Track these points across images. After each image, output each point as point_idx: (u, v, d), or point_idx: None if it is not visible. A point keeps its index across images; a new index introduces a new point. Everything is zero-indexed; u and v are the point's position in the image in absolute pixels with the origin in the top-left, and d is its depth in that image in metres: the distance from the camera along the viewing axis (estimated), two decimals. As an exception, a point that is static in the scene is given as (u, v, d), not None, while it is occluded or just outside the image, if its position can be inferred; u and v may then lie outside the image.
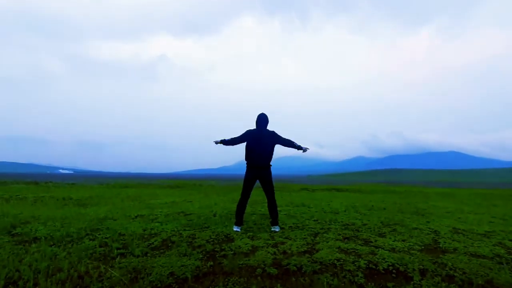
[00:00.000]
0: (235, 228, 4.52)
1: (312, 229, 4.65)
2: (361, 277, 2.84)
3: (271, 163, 4.68)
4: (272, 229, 4.54)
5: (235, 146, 4.69)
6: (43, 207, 7.29)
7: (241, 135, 4.67)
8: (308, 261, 3.14)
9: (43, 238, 4.01)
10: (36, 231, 4.41)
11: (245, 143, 4.66)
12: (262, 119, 4.64)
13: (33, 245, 3.72)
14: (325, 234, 4.29)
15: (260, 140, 4.57)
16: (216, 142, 4.67)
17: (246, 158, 4.61)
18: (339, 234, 4.31)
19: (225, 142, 4.64)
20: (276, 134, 4.71)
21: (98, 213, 6.26)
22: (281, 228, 4.71)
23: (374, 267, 3.05)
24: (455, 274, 2.94)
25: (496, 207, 8.72)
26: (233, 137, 4.68)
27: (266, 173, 4.59)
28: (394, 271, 2.99)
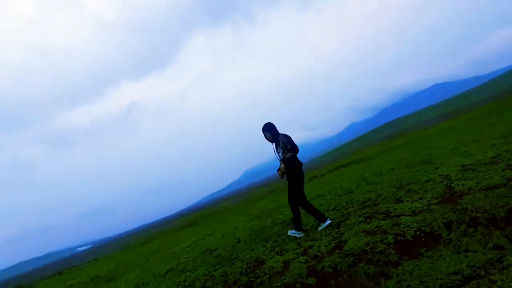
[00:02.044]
0: (295, 234, 4.57)
1: (334, 220, 4.67)
2: (394, 254, 2.87)
3: (291, 164, 4.48)
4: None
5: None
6: (74, 298, 7.17)
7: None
8: (340, 257, 3.16)
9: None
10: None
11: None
12: (263, 131, 4.63)
13: None
14: (347, 221, 4.32)
15: (275, 151, 4.61)
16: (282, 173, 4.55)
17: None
18: (360, 216, 4.35)
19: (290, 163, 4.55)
20: (282, 140, 4.57)
21: (129, 283, 6.20)
22: (304, 230, 4.71)
23: (402, 238, 3.09)
24: (478, 215, 2.99)
25: (493, 126, 8.87)
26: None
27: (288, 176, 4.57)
28: (422, 235, 3.03)
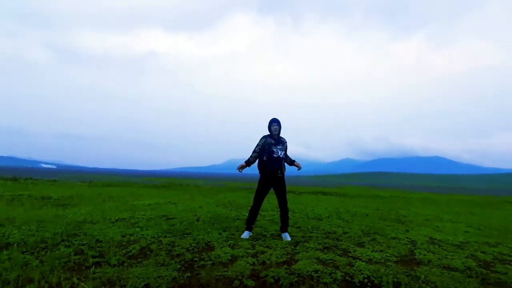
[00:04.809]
0: (244, 235, 4.55)
1: (294, 237, 4.68)
2: (336, 290, 2.88)
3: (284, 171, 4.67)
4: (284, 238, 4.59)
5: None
6: (20, 208, 7.05)
7: (259, 145, 4.57)
8: (286, 273, 3.16)
9: (15, 244, 3.87)
10: (9, 236, 4.26)
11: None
12: (276, 123, 4.61)
13: (5, 252, 3.59)
14: (305, 243, 4.32)
15: (276, 146, 4.57)
16: (241, 167, 4.47)
17: (260, 166, 4.56)
18: (319, 243, 4.36)
19: (250, 163, 4.54)
20: (286, 144, 4.73)
21: (77, 215, 6.11)
22: (263, 235, 4.73)
23: (350, 279, 3.10)
24: (427, 287, 3.02)
25: (473, 216, 9.02)
26: (253, 152, 4.56)
27: (281, 180, 4.61)
28: (368, 283, 3.04)
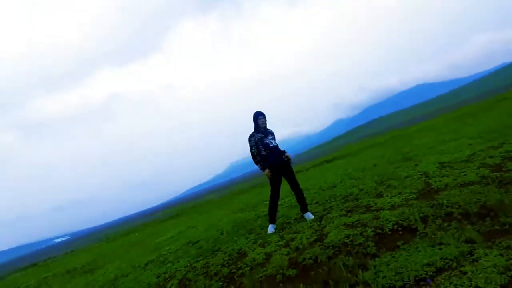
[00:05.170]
0: (270, 230, 4.56)
1: (316, 213, 4.74)
2: (372, 246, 2.95)
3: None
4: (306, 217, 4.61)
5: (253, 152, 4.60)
6: (50, 290, 6.97)
7: (253, 146, 4.56)
8: (321, 249, 3.22)
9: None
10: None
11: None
12: (262, 115, 4.60)
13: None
14: (329, 215, 4.39)
15: (267, 137, 4.56)
16: (268, 172, 4.50)
17: (264, 162, 4.51)
18: (342, 209, 4.43)
19: (264, 164, 4.52)
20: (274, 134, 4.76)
21: (107, 275, 6.07)
22: (287, 223, 4.78)
23: (380, 231, 3.18)
24: (453, 210, 3.11)
25: (471, 127, 9.24)
26: (254, 157, 4.57)
27: (287, 165, 4.61)
28: (399, 228, 3.12)
